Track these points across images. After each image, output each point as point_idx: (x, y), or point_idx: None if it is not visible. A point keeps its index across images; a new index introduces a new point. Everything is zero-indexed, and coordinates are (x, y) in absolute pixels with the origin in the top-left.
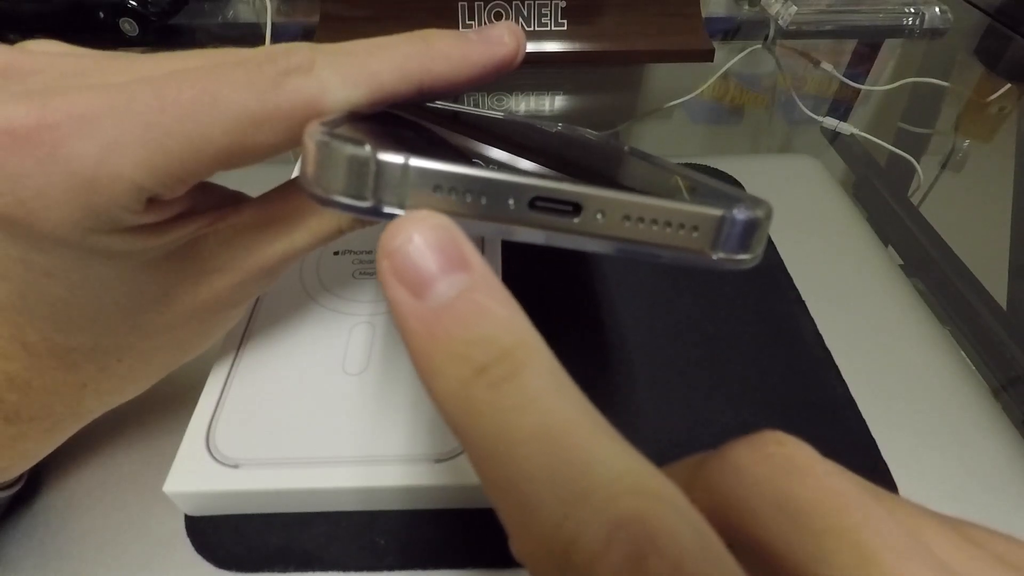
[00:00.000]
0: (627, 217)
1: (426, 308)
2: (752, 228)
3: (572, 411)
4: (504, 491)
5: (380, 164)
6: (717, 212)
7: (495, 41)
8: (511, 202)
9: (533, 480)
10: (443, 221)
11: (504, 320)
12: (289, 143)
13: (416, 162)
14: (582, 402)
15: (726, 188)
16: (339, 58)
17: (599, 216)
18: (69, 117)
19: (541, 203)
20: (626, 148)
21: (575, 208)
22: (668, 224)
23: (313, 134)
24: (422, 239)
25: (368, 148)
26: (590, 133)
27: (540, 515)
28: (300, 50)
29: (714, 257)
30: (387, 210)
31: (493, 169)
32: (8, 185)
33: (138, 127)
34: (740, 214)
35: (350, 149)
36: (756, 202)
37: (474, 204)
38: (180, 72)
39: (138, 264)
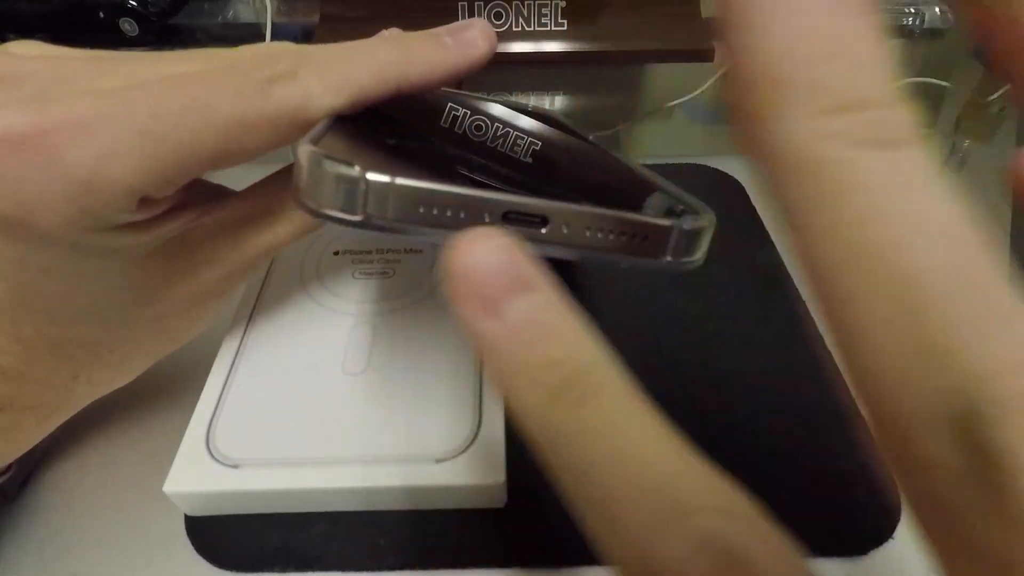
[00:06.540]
0: (588, 228)
1: (497, 329)
2: (697, 236)
3: (647, 432)
4: (591, 508)
5: (369, 183)
6: (667, 223)
7: (469, 45)
8: (486, 216)
9: (618, 500)
10: (504, 241)
11: (574, 342)
12: (275, 145)
13: (401, 181)
14: (655, 422)
15: (677, 192)
16: (321, 65)
17: (564, 228)
18: (66, 125)
19: (513, 216)
20: (590, 138)
21: (543, 220)
22: (623, 234)
23: (305, 152)
24: (485, 260)
25: (357, 169)
26: (562, 120)
27: (627, 534)
28: (284, 56)
29: (663, 261)
30: (376, 223)
31: (470, 186)
32: (8, 188)
33: (132, 134)
34: (686, 224)
35: (342, 169)
36: (703, 210)
37: (453, 217)
38: (171, 79)
39: (130, 258)
